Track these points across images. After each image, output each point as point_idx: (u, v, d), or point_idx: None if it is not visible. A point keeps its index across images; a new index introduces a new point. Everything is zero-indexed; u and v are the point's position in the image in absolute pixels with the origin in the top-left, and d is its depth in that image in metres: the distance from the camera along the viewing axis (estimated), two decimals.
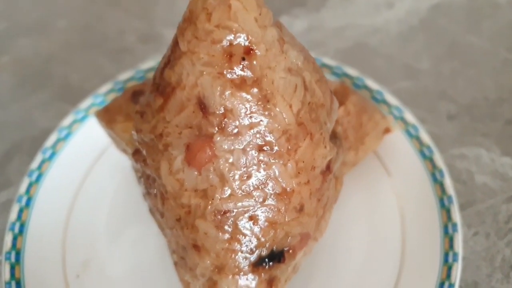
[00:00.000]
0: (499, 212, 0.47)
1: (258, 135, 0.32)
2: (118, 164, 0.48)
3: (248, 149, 0.32)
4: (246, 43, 0.31)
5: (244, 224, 0.33)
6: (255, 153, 0.32)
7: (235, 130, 0.32)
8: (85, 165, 0.48)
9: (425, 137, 0.46)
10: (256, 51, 0.31)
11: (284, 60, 0.32)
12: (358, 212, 0.45)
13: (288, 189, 0.33)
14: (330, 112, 0.35)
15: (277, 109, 0.32)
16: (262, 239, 0.33)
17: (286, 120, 0.32)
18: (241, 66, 0.31)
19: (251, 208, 0.33)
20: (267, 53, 0.31)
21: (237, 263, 0.33)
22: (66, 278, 0.42)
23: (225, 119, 0.31)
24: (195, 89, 0.31)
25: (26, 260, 0.42)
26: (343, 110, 0.42)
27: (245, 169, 0.32)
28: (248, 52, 0.31)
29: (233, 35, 0.31)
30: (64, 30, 0.67)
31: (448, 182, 0.43)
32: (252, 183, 0.32)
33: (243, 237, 0.33)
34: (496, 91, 0.57)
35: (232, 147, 0.32)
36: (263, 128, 0.32)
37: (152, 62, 0.53)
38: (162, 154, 0.33)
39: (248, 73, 0.31)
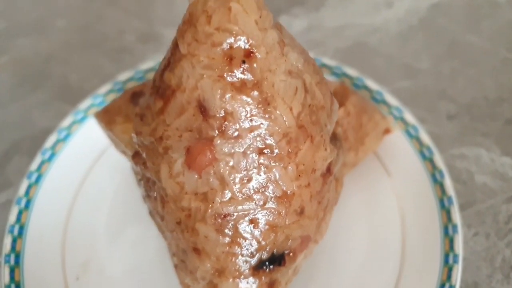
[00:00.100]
0: (499, 212, 0.47)
1: (258, 138, 0.32)
2: (118, 165, 0.48)
3: (248, 152, 0.32)
4: (247, 46, 0.31)
5: (244, 227, 0.33)
6: (256, 156, 0.32)
7: (236, 133, 0.31)
8: (85, 166, 0.48)
9: (425, 138, 0.46)
10: (256, 54, 0.31)
11: (284, 63, 0.32)
12: (358, 213, 0.45)
13: (288, 192, 0.33)
14: (330, 114, 0.35)
15: (278, 112, 0.32)
16: (263, 243, 0.33)
17: (286, 123, 0.32)
18: (241, 69, 0.31)
19: (252, 211, 0.32)
20: (268, 56, 0.31)
21: (238, 266, 0.33)
22: (66, 280, 0.42)
23: (226, 122, 0.31)
24: (195, 92, 0.31)
25: (25, 263, 0.42)
26: (343, 111, 0.42)
27: (245, 172, 0.32)
28: (248, 55, 0.30)
29: (233, 38, 0.30)
30: (64, 30, 0.67)
31: (448, 183, 0.43)
32: (253, 186, 0.32)
33: (244, 240, 0.33)
34: (496, 91, 0.57)
35: (233, 150, 0.32)
36: (264, 131, 0.32)
37: (151, 63, 0.53)
38: (162, 157, 0.33)
39: (248, 76, 0.31)
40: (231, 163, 0.32)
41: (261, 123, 0.31)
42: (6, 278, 0.40)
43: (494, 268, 0.44)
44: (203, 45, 0.31)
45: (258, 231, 0.33)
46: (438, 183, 0.44)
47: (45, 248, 0.43)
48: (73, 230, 0.45)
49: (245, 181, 0.32)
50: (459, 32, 0.63)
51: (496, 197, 0.48)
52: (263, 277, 0.34)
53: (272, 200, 0.33)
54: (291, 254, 0.34)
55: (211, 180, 0.32)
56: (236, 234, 0.33)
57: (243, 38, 0.30)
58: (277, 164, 0.32)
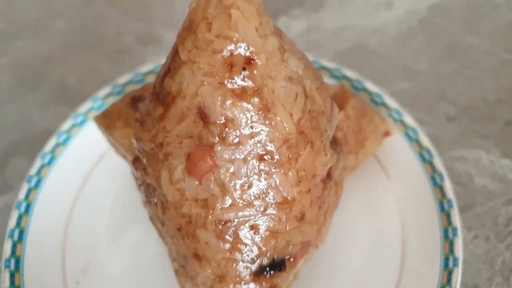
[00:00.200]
0: (499, 215, 0.47)
1: (259, 145, 0.32)
2: (118, 169, 0.48)
3: (249, 158, 0.32)
4: (247, 53, 0.31)
5: (245, 233, 0.33)
6: (256, 162, 0.32)
7: (236, 140, 0.31)
8: (85, 169, 0.48)
9: (425, 140, 0.46)
10: (256, 60, 0.31)
11: (284, 69, 0.32)
12: (358, 216, 0.45)
13: (289, 198, 0.33)
14: (330, 119, 0.35)
15: (278, 118, 0.32)
16: (263, 248, 0.33)
17: (286, 129, 0.32)
18: (241, 76, 0.31)
19: (252, 217, 0.32)
20: (268, 62, 0.31)
21: (238, 272, 0.33)
22: (66, 284, 0.42)
23: (226, 129, 0.31)
24: (195, 99, 0.31)
25: (25, 267, 0.42)
26: (343, 115, 0.42)
27: (246, 178, 0.32)
28: (248, 62, 0.30)
29: (233, 45, 0.30)
30: (62, 31, 0.66)
31: (448, 186, 0.43)
32: (253, 193, 0.32)
33: (244, 246, 0.33)
34: (495, 92, 0.57)
35: (233, 157, 0.32)
36: (264, 138, 0.32)
37: (151, 65, 0.53)
38: (162, 164, 0.33)
39: (248, 83, 0.31)
40: (231, 170, 0.32)
41: (262, 130, 0.31)
42: (6, 283, 0.40)
43: (494, 271, 0.44)
44: (204, 52, 0.31)
45: (259, 237, 0.33)
46: (438, 186, 0.44)
47: (45, 252, 0.43)
48: (73, 234, 0.45)
49: (246, 187, 0.32)
50: (458, 33, 0.63)
51: (496, 199, 0.48)
52: (263, 282, 0.34)
53: (273, 206, 0.33)
54: (291, 259, 0.34)
55: (211, 186, 0.32)
56: (237, 240, 0.33)
57: (243, 45, 0.30)
58: (277, 170, 0.32)
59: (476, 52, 0.61)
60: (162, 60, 0.52)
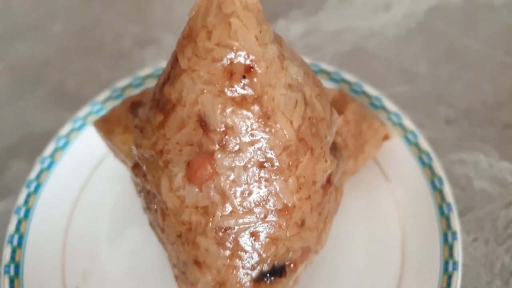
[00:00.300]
0: (498, 218, 0.48)
1: (259, 152, 0.32)
2: (117, 173, 0.48)
3: (249, 165, 0.32)
4: (247, 62, 0.31)
5: (245, 240, 0.33)
6: (256, 169, 0.32)
7: (236, 147, 0.31)
8: (84, 174, 0.48)
9: (424, 144, 0.46)
10: (256, 69, 0.31)
11: (284, 77, 0.32)
12: (358, 220, 0.45)
13: (289, 205, 0.33)
14: (330, 125, 0.35)
15: (278, 125, 0.32)
16: (264, 255, 0.33)
17: (286, 136, 0.32)
18: (241, 84, 0.31)
19: (252, 224, 0.32)
20: (268, 70, 0.31)
21: (239, 278, 0.33)
22: None
23: (226, 137, 0.31)
24: (195, 107, 0.31)
25: (25, 273, 0.42)
26: (343, 119, 0.42)
27: (246, 186, 0.32)
28: (248, 70, 0.30)
29: (233, 54, 0.30)
30: (60, 34, 0.66)
31: (447, 190, 0.44)
32: (253, 200, 0.32)
33: (244, 253, 0.33)
34: (494, 95, 0.57)
35: (233, 164, 0.32)
36: (264, 145, 0.32)
37: (150, 69, 0.53)
38: (162, 171, 0.33)
39: (249, 91, 0.31)
40: (231, 177, 0.32)
41: (262, 137, 0.32)
42: None
43: (493, 274, 0.44)
44: (204, 60, 0.31)
45: (259, 244, 0.33)
46: (437, 190, 0.44)
47: (44, 257, 0.43)
48: (72, 239, 0.45)
49: (246, 194, 0.32)
50: (456, 36, 0.63)
51: (495, 202, 0.48)
52: None
53: (273, 213, 0.33)
54: (291, 265, 0.34)
55: (211, 194, 0.32)
56: (237, 247, 0.33)
57: (243, 54, 0.31)
58: (277, 177, 0.32)
59: (474, 55, 0.61)
60: (161, 63, 0.53)
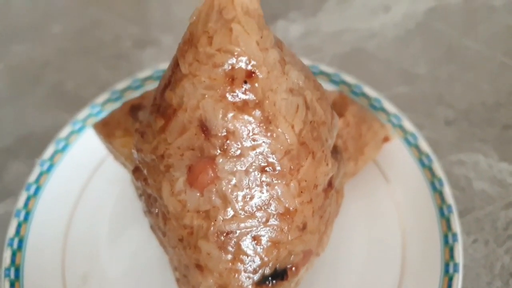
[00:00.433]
0: (498, 219, 0.48)
1: (260, 156, 0.32)
2: (117, 175, 0.48)
3: (250, 170, 0.32)
4: (248, 67, 0.31)
5: (247, 244, 0.33)
6: (258, 174, 0.32)
7: (238, 152, 0.31)
8: (84, 177, 0.48)
9: (424, 146, 0.46)
10: (258, 74, 0.31)
11: (285, 81, 0.32)
12: (358, 222, 0.45)
13: (291, 208, 0.33)
14: (331, 128, 0.35)
15: (279, 130, 0.32)
16: (265, 259, 0.33)
17: (288, 140, 0.32)
18: (243, 89, 0.31)
19: (254, 228, 0.33)
20: (269, 75, 0.31)
21: (240, 282, 0.33)
22: None
23: (228, 141, 0.31)
24: (197, 112, 0.31)
25: (25, 276, 0.42)
26: (343, 122, 0.42)
27: (247, 190, 0.32)
28: (250, 75, 0.30)
29: (235, 59, 0.30)
30: (59, 35, 0.66)
31: (447, 191, 0.44)
32: (255, 204, 0.32)
33: (246, 257, 0.33)
34: (493, 96, 0.57)
35: (235, 169, 0.32)
36: (266, 149, 0.32)
37: (149, 71, 0.53)
38: (163, 175, 0.33)
39: (250, 96, 0.31)
40: (233, 181, 0.32)
41: (263, 142, 0.32)
42: None
43: (493, 275, 0.44)
44: (205, 65, 0.31)
45: (261, 248, 0.33)
46: (437, 192, 0.44)
47: (45, 260, 0.43)
48: (72, 241, 0.45)
49: (248, 198, 0.32)
50: (456, 36, 0.63)
51: (495, 203, 0.49)
52: None
53: (275, 217, 0.33)
54: (293, 268, 0.34)
55: (213, 198, 0.32)
56: (239, 251, 0.33)
57: (244, 59, 0.31)
58: (279, 181, 0.32)
59: (474, 56, 0.61)
60: (160, 65, 0.53)
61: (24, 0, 0.71)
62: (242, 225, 0.32)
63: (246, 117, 0.31)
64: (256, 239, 0.33)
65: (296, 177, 0.33)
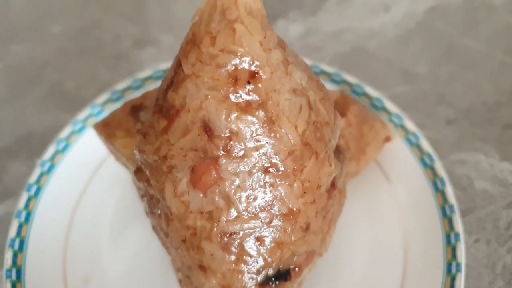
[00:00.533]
0: (500, 219, 0.48)
1: (264, 157, 0.32)
2: (118, 175, 0.48)
3: (254, 171, 0.32)
4: (252, 67, 0.31)
5: (250, 245, 0.33)
6: (261, 175, 0.32)
7: (241, 153, 0.31)
8: (84, 177, 0.48)
9: (426, 145, 0.46)
10: (261, 74, 0.31)
11: (289, 82, 0.32)
12: (360, 222, 0.45)
13: (294, 209, 0.33)
14: (334, 129, 0.35)
15: (283, 130, 0.32)
16: (269, 260, 0.33)
17: (291, 141, 0.32)
18: (246, 90, 0.31)
19: (258, 229, 0.32)
20: (272, 75, 0.31)
21: (244, 283, 0.33)
22: None
23: (231, 142, 0.31)
24: (200, 113, 0.31)
25: (27, 277, 0.42)
26: (345, 122, 0.42)
27: (251, 191, 0.32)
28: (253, 76, 0.30)
29: (238, 60, 0.30)
30: (58, 35, 0.66)
31: (449, 191, 0.44)
32: (258, 205, 0.32)
33: (250, 258, 0.33)
34: (494, 95, 0.57)
35: (238, 170, 0.32)
36: (269, 150, 0.32)
37: (149, 71, 0.52)
38: (166, 176, 0.33)
39: (253, 96, 0.31)
40: (236, 182, 0.32)
41: (267, 142, 0.31)
42: None
43: (495, 275, 0.44)
44: (208, 66, 0.30)
45: (264, 249, 0.33)
46: (439, 191, 0.44)
47: (46, 261, 0.43)
48: (74, 242, 0.45)
49: (251, 199, 0.32)
50: (456, 36, 0.63)
51: (496, 203, 0.49)
52: None
53: (278, 217, 0.33)
54: (296, 269, 0.34)
55: (216, 199, 0.32)
56: (242, 252, 0.33)
57: (247, 60, 0.30)
58: (282, 182, 0.32)
59: (474, 55, 0.61)
60: (160, 65, 0.53)
61: (24, 0, 0.70)
62: (246, 226, 0.32)
63: (249, 117, 0.31)
64: (259, 240, 0.33)
65: (300, 177, 0.33)
